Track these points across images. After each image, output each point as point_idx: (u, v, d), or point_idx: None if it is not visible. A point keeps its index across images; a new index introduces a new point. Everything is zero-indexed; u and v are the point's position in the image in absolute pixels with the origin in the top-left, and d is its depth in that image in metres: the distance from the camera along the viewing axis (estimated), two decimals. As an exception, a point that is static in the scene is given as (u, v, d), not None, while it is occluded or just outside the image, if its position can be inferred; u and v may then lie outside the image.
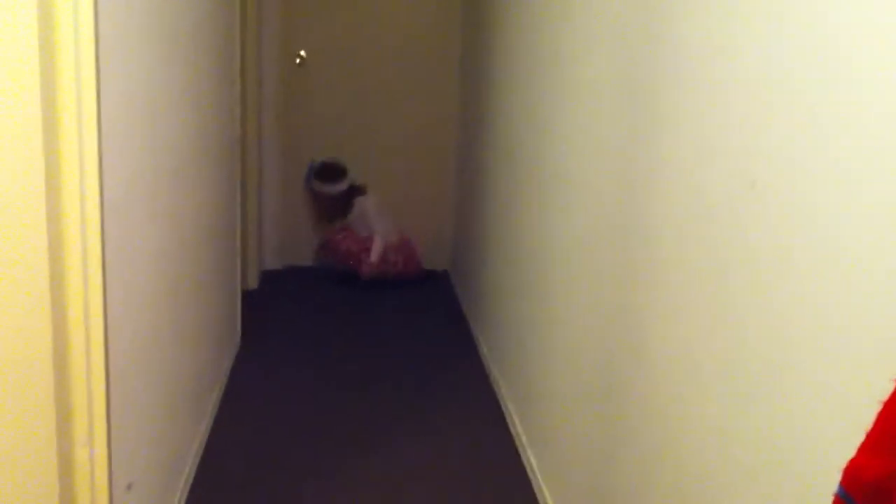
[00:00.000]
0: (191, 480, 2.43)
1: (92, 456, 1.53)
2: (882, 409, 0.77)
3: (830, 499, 0.81)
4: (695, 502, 1.41)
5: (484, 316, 3.60)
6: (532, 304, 2.69)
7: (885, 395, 0.77)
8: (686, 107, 1.49)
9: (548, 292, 2.48)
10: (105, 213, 1.51)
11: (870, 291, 0.95)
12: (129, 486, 1.75)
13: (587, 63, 2.11)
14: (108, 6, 1.52)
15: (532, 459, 2.57)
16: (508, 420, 2.92)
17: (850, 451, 0.80)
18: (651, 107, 1.66)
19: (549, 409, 2.43)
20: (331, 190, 4.62)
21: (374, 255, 4.48)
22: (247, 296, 3.97)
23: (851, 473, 0.78)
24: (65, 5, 1.36)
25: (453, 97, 4.62)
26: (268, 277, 4.63)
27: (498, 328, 3.26)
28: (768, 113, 1.19)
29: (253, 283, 4.39)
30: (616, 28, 1.89)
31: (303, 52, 4.58)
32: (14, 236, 1.35)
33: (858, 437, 0.79)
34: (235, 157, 3.42)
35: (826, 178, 1.04)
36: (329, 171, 4.64)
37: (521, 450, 2.71)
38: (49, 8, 1.34)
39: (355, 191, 4.63)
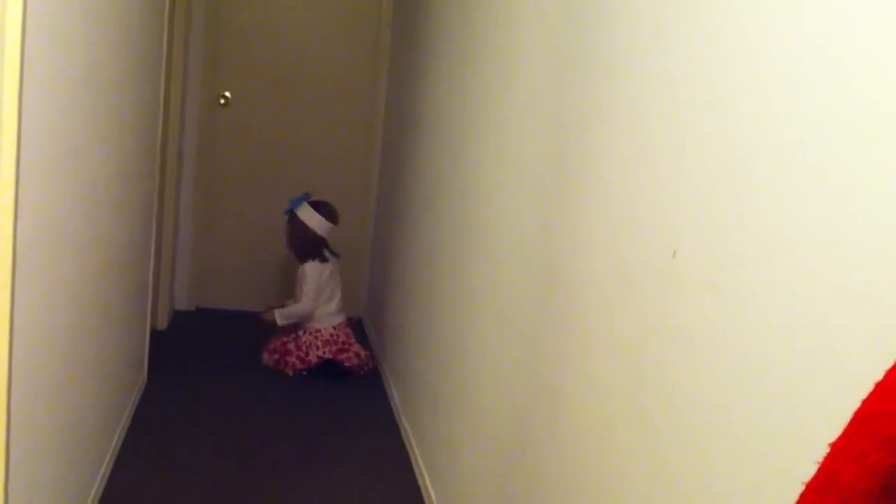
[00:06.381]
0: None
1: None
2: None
3: None
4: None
5: (397, 366, 3.60)
6: (444, 363, 2.70)
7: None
8: (610, 175, 1.53)
9: (463, 357, 2.50)
10: (17, 247, 1.48)
11: (789, 360, 0.97)
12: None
13: (512, 124, 2.17)
14: (34, 46, 1.52)
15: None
16: (419, 477, 2.91)
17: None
18: (576, 174, 1.69)
19: (461, 473, 2.44)
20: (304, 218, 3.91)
21: (280, 317, 3.85)
22: (156, 335, 3.88)
23: None
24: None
25: (377, 141, 4.67)
26: (179, 318, 4.54)
27: (410, 379, 3.26)
28: (689, 182, 1.23)
29: (163, 324, 4.30)
30: (543, 93, 1.96)
31: (227, 93, 4.57)
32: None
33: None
34: (152, 195, 3.37)
35: (746, 249, 1.07)
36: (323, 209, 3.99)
37: None
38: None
39: (318, 246, 3.95)
